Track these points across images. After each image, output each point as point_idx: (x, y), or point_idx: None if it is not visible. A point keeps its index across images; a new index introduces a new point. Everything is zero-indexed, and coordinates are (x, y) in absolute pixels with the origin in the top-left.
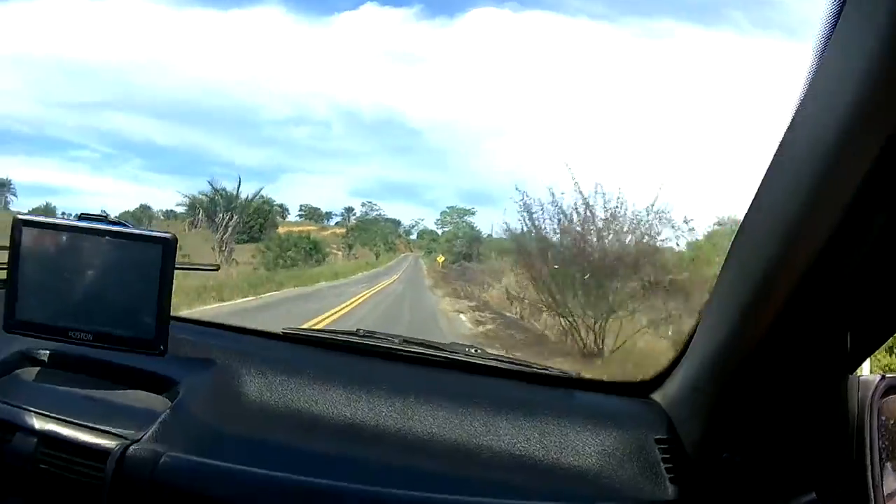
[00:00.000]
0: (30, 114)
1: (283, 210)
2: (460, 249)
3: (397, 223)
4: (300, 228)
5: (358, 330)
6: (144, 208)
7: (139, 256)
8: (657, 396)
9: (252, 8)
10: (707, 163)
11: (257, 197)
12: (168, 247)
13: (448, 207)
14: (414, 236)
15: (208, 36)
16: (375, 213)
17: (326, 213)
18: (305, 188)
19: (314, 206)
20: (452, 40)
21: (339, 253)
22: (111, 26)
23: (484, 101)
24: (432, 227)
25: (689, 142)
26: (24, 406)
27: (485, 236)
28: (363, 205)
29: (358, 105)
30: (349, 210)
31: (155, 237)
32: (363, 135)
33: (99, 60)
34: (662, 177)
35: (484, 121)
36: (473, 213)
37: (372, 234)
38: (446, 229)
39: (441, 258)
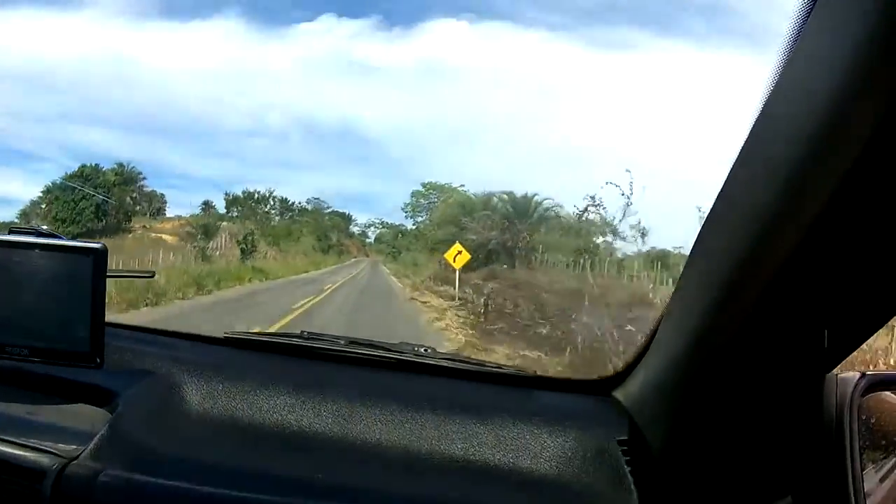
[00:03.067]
0: None
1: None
2: (483, 239)
3: (347, 218)
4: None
5: (303, 332)
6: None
7: (70, 268)
8: (619, 395)
9: (211, 20)
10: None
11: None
12: (98, 257)
13: (423, 184)
14: (371, 239)
15: (168, 48)
16: (313, 204)
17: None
18: None
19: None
20: (410, 51)
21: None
22: (73, 38)
23: (441, 111)
24: (398, 221)
25: (653, 144)
26: None
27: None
28: (307, 201)
29: (315, 116)
30: (247, 195)
31: (85, 248)
32: (320, 145)
33: (60, 73)
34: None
35: (441, 130)
36: (465, 190)
37: (290, 227)
38: (422, 218)
39: (456, 254)
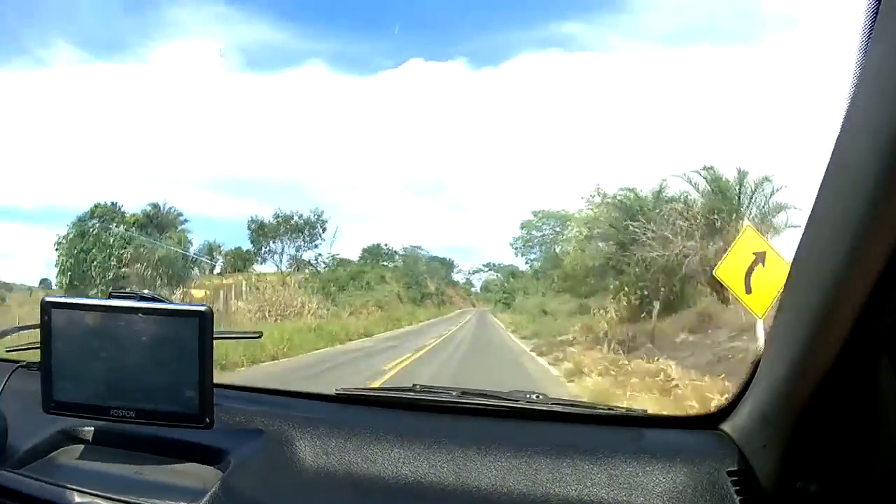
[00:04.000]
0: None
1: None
2: (672, 254)
3: (449, 264)
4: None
5: (414, 385)
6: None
7: (175, 331)
8: (727, 427)
9: (296, 70)
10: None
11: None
12: (204, 319)
13: (534, 213)
14: (476, 287)
15: (252, 99)
16: (408, 251)
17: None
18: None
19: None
20: (499, 88)
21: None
22: (158, 99)
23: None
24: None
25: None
26: (67, 485)
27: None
28: (403, 249)
29: (409, 167)
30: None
31: (190, 311)
32: (416, 197)
33: (152, 134)
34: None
35: (535, 178)
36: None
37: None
38: (535, 255)
39: (752, 264)
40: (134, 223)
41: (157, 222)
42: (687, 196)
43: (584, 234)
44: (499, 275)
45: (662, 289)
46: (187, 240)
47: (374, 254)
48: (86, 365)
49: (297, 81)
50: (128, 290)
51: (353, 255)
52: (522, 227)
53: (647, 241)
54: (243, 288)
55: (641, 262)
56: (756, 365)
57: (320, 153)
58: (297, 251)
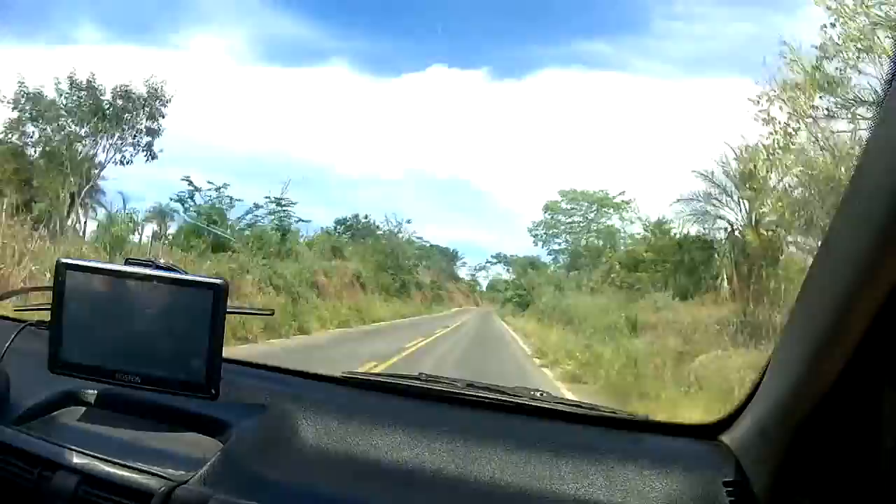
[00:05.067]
0: None
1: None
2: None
3: (452, 255)
4: None
5: (421, 374)
6: None
7: (189, 301)
8: (726, 438)
9: (320, 67)
10: None
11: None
12: (219, 292)
13: (561, 192)
14: (483, 287)
15: (277, 94)
16: (397, 229)
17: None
18: None
19: None
20: (520, 100)
21: None
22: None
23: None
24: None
25: None
26: (67, 445)
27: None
28: (386, 220)
29: (427, 166)
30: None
31: (206, 283)
32: (432, 195)
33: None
34: None
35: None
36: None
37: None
38: (560, 245)
39: None
40: None
41: None
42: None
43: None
44: (509, 269)
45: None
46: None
47: (347, 226)
48: (96, 328)
49: (321, 80)
50: (144, 258)
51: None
52: (546, 210)
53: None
54: None
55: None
56: (761, 377)
57: (337, 148)
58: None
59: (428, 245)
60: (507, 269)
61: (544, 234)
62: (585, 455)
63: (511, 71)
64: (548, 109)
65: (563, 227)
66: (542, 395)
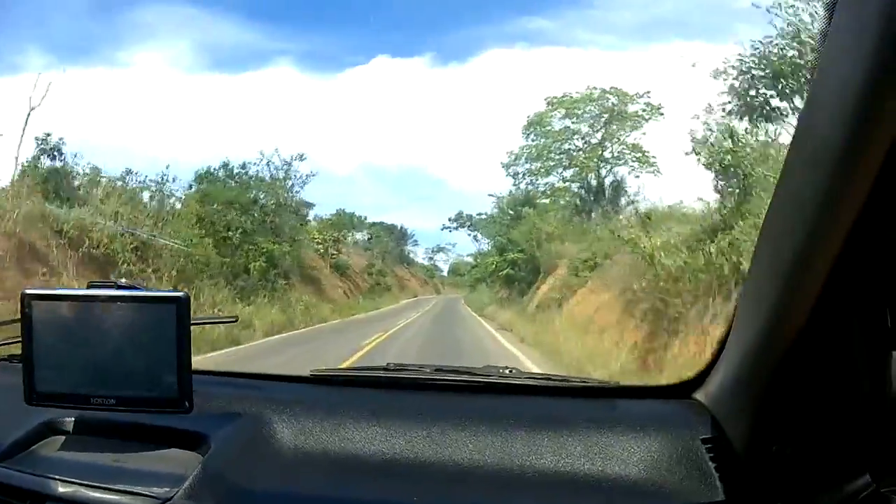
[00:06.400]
0: None
1: None
2: None
3: (401, 234)
4: None
5: (388, 364)
6: None
7: (154, 317)
8: (699, 396)
9: (263, 69)
10: None
11: None
12: (181, 305)
13: (547, 100)
14: (444, 271)
15: (221, 96)
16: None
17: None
18: None
19: None
20: (465, 83)
21: None
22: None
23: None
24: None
25: None
26: (51, 475)
27: None
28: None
29: (377, 158)
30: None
31: (168, 297)
32: (387, 187)
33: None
34: None
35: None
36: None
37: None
38: (558, 178)
39: None
40: None
41: None
42: None
43: None
44: (477, 235)
45: None
46: None
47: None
48: (67, 355)
49: (265, 79)
50: (105, 280)
51: None
52: (529, 129)
53: None
54: None
55: None
56: (728, 331)
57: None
58: None
59: (364, 219)
60: (474, 235)
61: (532, 157)
62: (561, 427)
63: (455, 54)
64: (494, 90)
65: (556, 152)
66: (511, 371)
